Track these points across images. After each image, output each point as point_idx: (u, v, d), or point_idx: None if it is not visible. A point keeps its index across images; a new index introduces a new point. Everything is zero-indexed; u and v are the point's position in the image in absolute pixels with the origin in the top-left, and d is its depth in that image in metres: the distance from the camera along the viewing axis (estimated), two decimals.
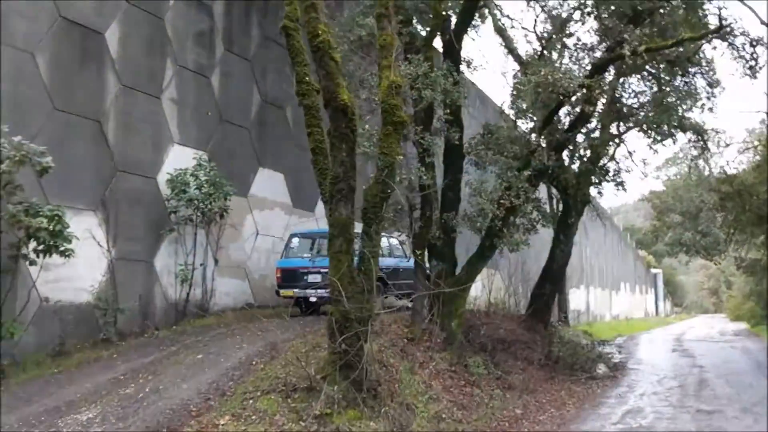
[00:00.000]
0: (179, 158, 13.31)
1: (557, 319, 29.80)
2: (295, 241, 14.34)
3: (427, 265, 13.34)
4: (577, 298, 41.28)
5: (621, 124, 18.26)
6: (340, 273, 8.58)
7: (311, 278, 13.23)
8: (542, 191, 23.43)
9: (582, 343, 17.46)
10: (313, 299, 13.34)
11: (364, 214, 8.99)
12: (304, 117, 9.39)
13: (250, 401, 8.33)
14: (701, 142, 23.62)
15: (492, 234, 13.02)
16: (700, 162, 29.68)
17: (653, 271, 73.41)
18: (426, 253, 13.22)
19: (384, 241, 15.01)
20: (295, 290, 13.39)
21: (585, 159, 16.57)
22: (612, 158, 19.71)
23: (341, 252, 8.65)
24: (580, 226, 43.34)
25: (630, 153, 17.08)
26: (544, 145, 12.85)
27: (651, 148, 17.28)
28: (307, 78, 9.33)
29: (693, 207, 34.43)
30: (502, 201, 12.48)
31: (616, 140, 19.10)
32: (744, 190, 22.22)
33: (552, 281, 17.88)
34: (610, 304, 51.21)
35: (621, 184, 17.01)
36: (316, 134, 9.23)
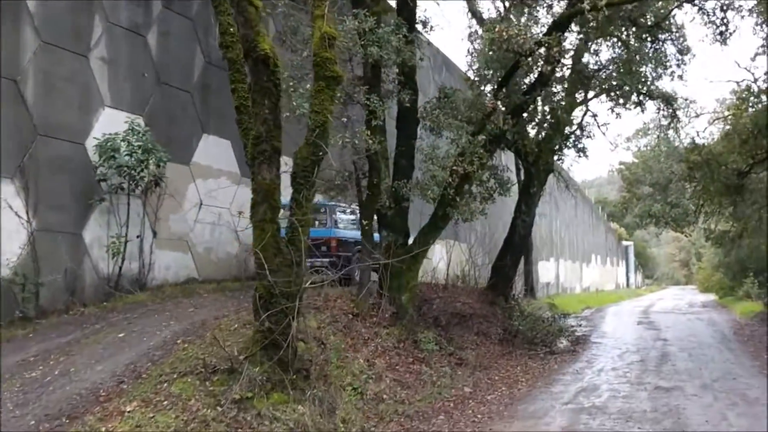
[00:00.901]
0: (111, 122, 12.28)
1: (523, 291, 29.46)
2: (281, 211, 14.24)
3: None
4: (546, 271, 41.00)
5: (586, 89, 17.59)
6: (264, 243, 7.81)
7: None
8: (509, 160, 22.82)
9: (544, 317, 16.90)
10: None
11: (293, 178, 8.21)
12: (228, 72, 8.54)
13: (165, 384, 7.57)
14: (671, 111, 23.13)
15: (445, 203, 12.28)
16: (671, 133, 29.31)
17: (624, 243, 73.64)
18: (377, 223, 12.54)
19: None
20: None
21: (546, 125, 15.81)
22: (580, 126, 19.11)
23: (265, 220, 7.88)
24: (551, 199, 43.13)
25: (594, 115, 16.33)
26: (501, 107, 12.06)
27: (613, 111, 16.58)
28: (231, 29, 8.49)
29: (663, 178, 34.12)
30: (455, 168, 11.74)
31: (582, 107, 18.48)
32: (713, 159, 21.74)
33: (513, 253, 17.25)
34: (580, 277, 51.13)
35: (582, 150, 16.36)
36: (240, 91, 8.42)
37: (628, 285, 72.21)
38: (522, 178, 21.04)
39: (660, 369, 12.20)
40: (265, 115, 7.61)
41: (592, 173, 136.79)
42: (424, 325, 12.56)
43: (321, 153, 8.11)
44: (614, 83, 15.24)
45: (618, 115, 16.70)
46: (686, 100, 33.76)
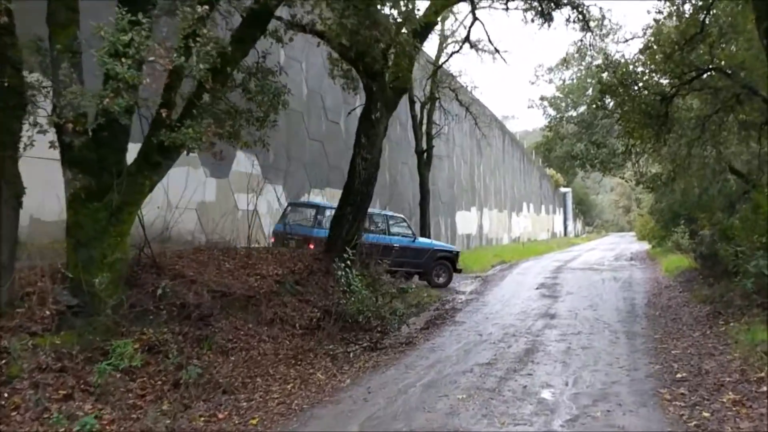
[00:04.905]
0: None
1: None
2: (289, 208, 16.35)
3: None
4: (466, 222, 36.86)
5: None
6: None
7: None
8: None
9: (392, 290, 12.44)
10: None
11: None
12: None
13: None
14: (582, 23, 18.82)
15: (159, 124, 7.54)
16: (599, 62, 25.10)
17: (562, 190, 70.19)
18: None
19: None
20: None
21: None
22: (467, 39, 14.48)
23: None
24: (472, 143, 38.66)
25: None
26: None
27: None
28: None
29: (588, 114, 29.99)
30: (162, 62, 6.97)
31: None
32: (631, 80, 17.42)
33: (354, 203, 12.67)
34: (508, 227, 47.29)
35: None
36: None
37: (565, 233, 69.12)
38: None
39: (502, 386, 7.58)
40: None
41: (533, 123, 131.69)
42: (153, 322, 7.95)
43: None
44: None
45: None
46: (601, 9, 29.52)
